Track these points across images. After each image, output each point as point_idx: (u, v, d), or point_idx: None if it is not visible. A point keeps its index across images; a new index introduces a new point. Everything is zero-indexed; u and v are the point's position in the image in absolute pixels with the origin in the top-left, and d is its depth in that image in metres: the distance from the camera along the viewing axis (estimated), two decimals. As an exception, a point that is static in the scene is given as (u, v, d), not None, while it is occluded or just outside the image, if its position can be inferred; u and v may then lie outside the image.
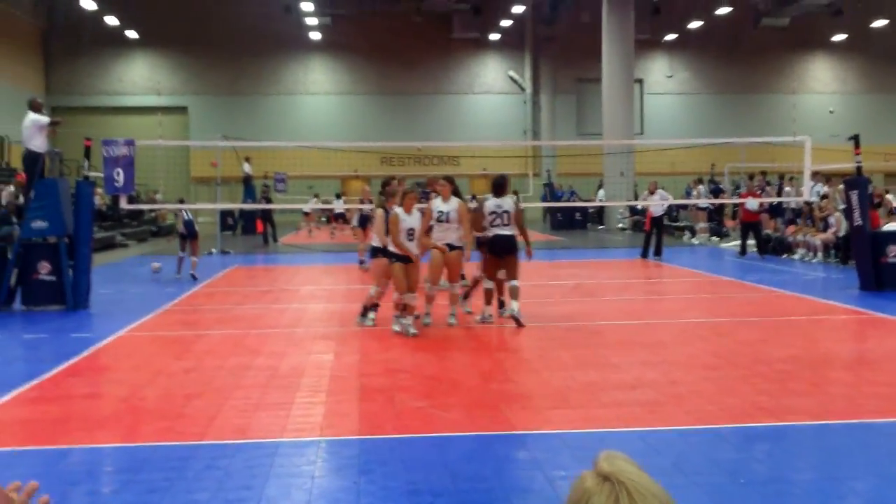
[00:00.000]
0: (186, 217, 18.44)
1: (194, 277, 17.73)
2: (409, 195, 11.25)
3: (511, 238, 11.70)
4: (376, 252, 11.71)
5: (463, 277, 15.81)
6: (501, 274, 11.85)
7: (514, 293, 11.57)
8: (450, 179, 12.03)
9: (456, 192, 11.94)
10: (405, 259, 10.95)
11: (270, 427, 6.98)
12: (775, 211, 24.55)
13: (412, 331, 10.91)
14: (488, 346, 10.46)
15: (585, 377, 8.64)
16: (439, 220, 11.56)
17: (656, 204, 21.31)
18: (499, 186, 11.94)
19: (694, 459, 6.15)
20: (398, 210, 11.02)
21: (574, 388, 8.21)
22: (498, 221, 11.65)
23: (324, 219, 39.66)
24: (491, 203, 11.87)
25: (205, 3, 44.51)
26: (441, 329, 11.39)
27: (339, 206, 32.76)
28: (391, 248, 10.98)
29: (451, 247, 11.48)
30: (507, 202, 11.87)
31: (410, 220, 11.05)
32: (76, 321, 12.74)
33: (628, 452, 5.58)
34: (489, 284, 12.03)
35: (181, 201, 19.89)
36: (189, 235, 18.19)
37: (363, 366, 9.30)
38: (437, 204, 11.70)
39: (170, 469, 5.90)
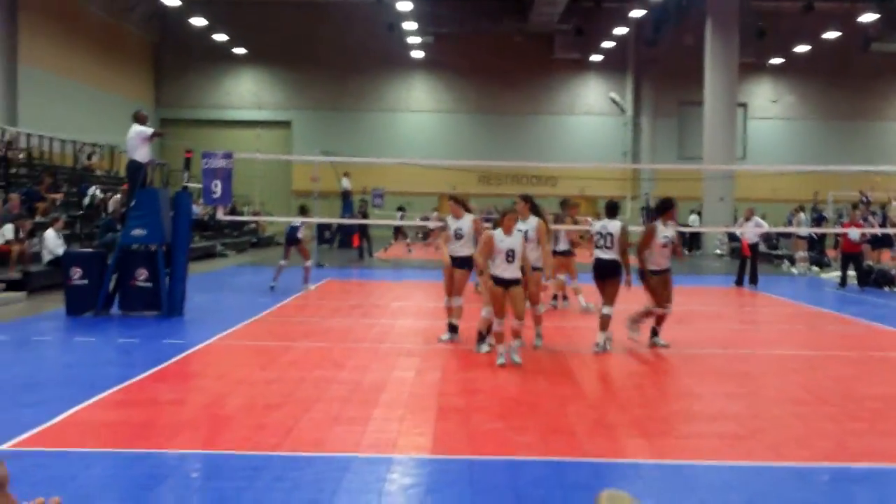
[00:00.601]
0: (293, 223, 18.90)
1: (308, 286, 18.32)
2: (509, 215, 10.65)
3: (611, 263, 11.52)
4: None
5: (565, 298, 15.80)
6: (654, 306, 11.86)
7: (604, 323, 11.47)
8: (526, 198, 11.87)
9: (535, 211, 11.85)
10: (503, 282, 10.36)
11: (345, 441, 7.03)
12: (881, 242, 23.81)
13: (516, 359, 10.41)
14: (571, 371, 10.34)
15: (667, 406, 8.50)
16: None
17: (751, 231, 20.87)
18: (611, 208, 12.03)
19: (770, 498, 5.97)
20: (495, 231, 10.56)
21: (654, 417, 8.07)
22: (601, 243, 11.55)
23: (420, 235, 39.88)
24: (597, 225, 11.88)
25: (310, 20, 45.38)
26: (525, 351, 11.31)
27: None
28: (494, 269, 10.40)
29: (532, 267, 11.33)
30: (614, 225, 11.64)
31: (510, 241, 10.39)
32: (169, 327, 13.06)
33: (702, 487, 5.47)
34: (607, 311, 11.60)
35: (302, 211, 20.44)
36: (292, 242, 18.62)
37: (443, 384, 9.31)
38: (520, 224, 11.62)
39: (241, 478, 6.00)
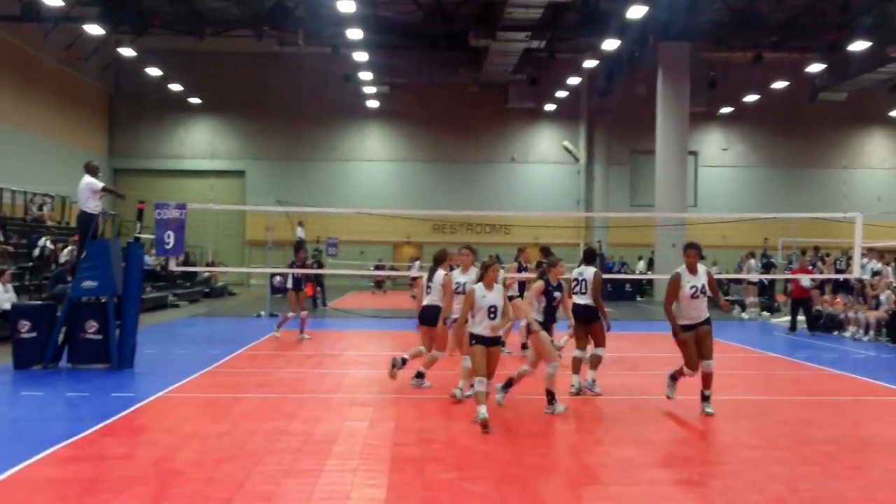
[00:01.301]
0: (296, 275, 18.80)
1: (304, 336, 18.63)
2: (493, 266, 9.91)
3: (587, 307, 11.90)
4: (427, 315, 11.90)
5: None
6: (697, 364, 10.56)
7: (595, 363, 11.93)
8: (471, 248, 11.92)
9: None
10: (484, 341, 9.75)
11: (298, 494, 6.96)
12: (840, 287, 24.23)
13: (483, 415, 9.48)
14: (524, 419, 10.31)
15: (620, 453, 8.50)
16: (456, 292, 11.43)
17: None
18: (589, 255, 12.43)
19: (723, 543, 6.00)
20: (476, 286, 9.85)
21: (608, 465, 8.08)
22: (578, 289, 12.00)
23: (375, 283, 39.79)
24: (575, 272, 12.21)
25: (265, 70, 45.50)
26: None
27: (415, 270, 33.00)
28: (474, 327, 9.77)
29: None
30: (589, 272, 12.07)
31: (492, 296, 9.77)
32: (119, 380, 12.88)
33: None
34: (578, 353, 12.03)
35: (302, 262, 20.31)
36: (296, 289, 18.55)
37: (397, 434, 9.26)
38: (456, 275, 11.63)
39: (191, 534, 5.90)
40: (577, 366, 12.00)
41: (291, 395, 11.76)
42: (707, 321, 10.52)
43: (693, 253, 10.51)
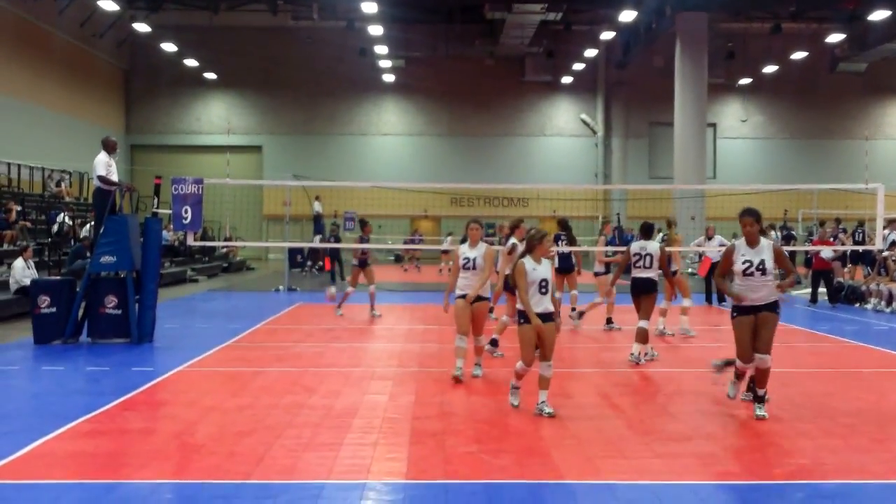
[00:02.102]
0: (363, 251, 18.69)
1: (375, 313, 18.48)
2: (545, 239, 9.17)
3: (649, 280, 12.20)
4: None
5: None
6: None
7: (640, 335, 12.08)
8: (479, 223, 11.54)
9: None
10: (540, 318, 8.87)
11: (318, 468, 6.94)
12: (859, 258, 24.03)
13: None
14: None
15: (641, 426, 8.45)
16: (464, 268, 10.90)
17: (714, 250, 20.94)
18: (647, 229, 12.66)
19: (747, 516, 5.95)
20: (525, 260, 9.04)
21: (628, 438, 8.03)
22: (640, 263, 12.24)
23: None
24: (635, 245, 12.47)
25: (281, 45, 45.41)
26: (498, 372, 11.25)
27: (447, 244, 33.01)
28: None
29: (479, 297, 10.81)
30: (653, 247, 12.43)
31: (542, 269, 9.01)
32: (138, 355, 12.91)
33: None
34: (643, 324, 12.16)
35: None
36: (362, 266, 18.39)
37: (417, 408, 9.23)
38: (465, 250, 11.04)
39: (212, 508, 5.89)
40: (642, 336, 12.15)
41: (311, 368, 11.75)
42: (771, 306, 8.83)
43: (750, 221, 8.79)
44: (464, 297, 10.80)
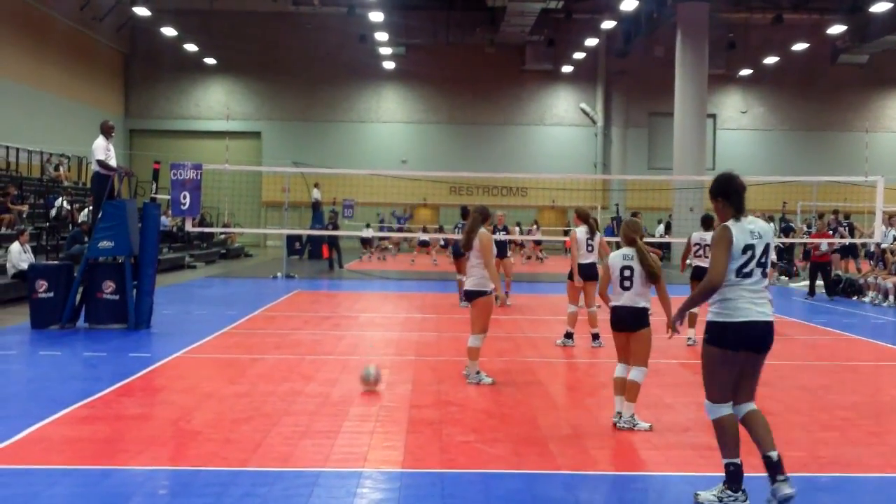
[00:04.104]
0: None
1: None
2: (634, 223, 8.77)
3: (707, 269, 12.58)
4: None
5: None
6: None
7: (693, 320, 13.00)
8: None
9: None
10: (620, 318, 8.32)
11: (314, 455, 6.94)
12: (848, 251, 23.98)
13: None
14: (541, 382, 10.29)
15: (638, 417, 8.44)
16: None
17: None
18: (708, 221, 13.29)
19: (743, 508, 5.95)
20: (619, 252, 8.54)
21: (625, 429, 8.03)
22: (701, 253, 12.96)
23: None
24: (695, 235, 13.19)
25: (281, 31, 45.31)
26: (497, 363, 11.25)
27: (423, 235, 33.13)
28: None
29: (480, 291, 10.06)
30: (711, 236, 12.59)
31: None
32: (136, 341, 12.90)
33: (674, 497, 5.40)
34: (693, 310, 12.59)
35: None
36: (458, 255, 18.53)
37: (414, 396, 9.24)
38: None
39: (209, 495, 5.89)
40: (691, 321, 13.00)
41: (308, 356, 11.76)
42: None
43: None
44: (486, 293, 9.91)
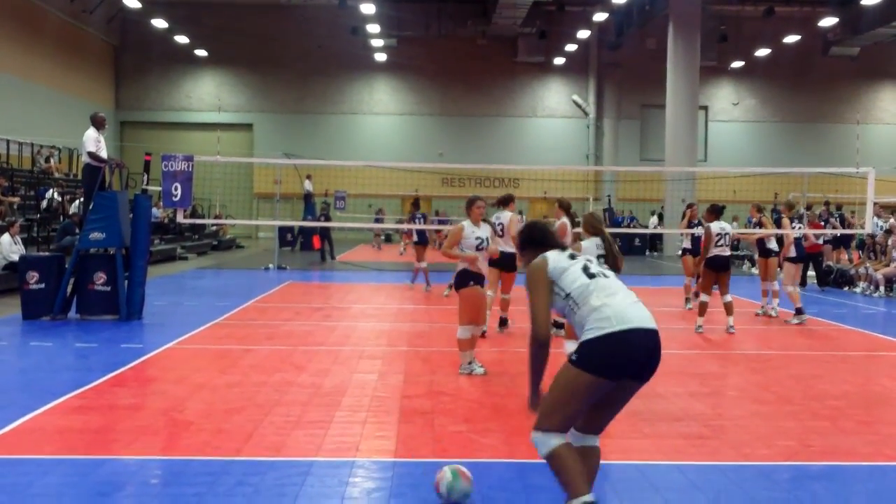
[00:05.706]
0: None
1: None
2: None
3: (728, 258, 13.86)
4: None
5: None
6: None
7: (729, 308, 13.66)
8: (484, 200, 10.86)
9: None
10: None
11: (306, 445, 6.94)
12: (839, 241, 24.03)
13: None
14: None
15: (628, 406, 8.42)
16: (479, 248, 10.07)
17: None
18: (719, 211, 13.96)
19: (734, 498, 5.97)
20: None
21: (616, 418, 7.94)
22: (721, 242, 13.65)
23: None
24: (716, 226, 13.67)
25: (272, 23, 45.19)
26: (489, 354, 11.27)
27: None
28: None
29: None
30: (730, 227, 14.09)
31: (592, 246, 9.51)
32: (128, 331, 12.89)
33: (666, 487, 5.42)
34: (705, 298, 13.71)
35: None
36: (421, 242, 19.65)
37: (406, 387, 9.24)
38: (472, 230, 10.11)
39: (201, 484, 5.89)
40: (703, 309, 13.64)
41: (300, 347, 11.75)
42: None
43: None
44: (479, 282, 9.99)
